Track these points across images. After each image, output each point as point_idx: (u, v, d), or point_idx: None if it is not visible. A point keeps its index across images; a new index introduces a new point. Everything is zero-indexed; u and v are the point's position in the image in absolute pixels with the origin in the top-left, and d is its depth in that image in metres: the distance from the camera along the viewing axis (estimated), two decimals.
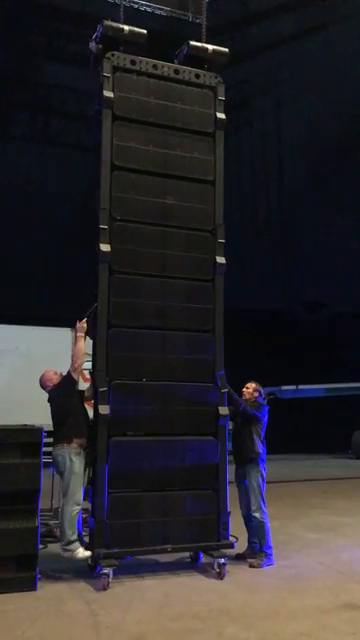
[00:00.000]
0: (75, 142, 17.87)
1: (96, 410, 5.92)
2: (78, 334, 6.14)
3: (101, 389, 5.90)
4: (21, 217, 17.05)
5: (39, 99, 18.70)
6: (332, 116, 18.53)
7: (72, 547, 5.81)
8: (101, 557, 5.62)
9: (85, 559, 5.82)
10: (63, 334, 13.03)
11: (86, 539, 6.08)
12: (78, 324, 6.17)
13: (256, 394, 6.87)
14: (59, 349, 12.89)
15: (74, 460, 5.95)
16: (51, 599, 5.29)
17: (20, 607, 5.05)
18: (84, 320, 6.16)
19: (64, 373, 6.20)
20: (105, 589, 5.50)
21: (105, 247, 5.99)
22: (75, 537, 5.85)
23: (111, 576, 5.59)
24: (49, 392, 6.24)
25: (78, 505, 5.93)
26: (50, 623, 4.75)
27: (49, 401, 6.18)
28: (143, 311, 6.17)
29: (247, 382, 6.92)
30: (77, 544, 5.85)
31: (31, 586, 5.46)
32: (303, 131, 19.31)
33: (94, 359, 6.08)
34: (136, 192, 6.22)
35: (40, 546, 5.78)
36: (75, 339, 6.20)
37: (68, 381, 6.12)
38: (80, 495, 5.95)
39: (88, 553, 5.79)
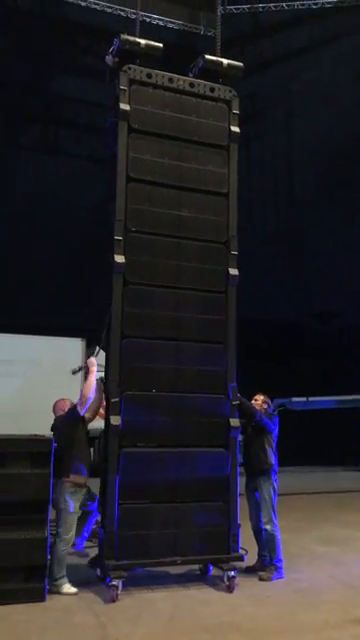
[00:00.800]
0: (87, 153, 18.01)
1: (107, 421, 5.92)
2: (91, 368, 6.13)
3: (113, 400, 5.91)
4: (33, 227, 17.16)
5: (51, 111, 18.88)
6: (343, 128, 18.57)
7: (58, 583, 5.75)
8: (110, 569, 5.60)
9: (70, 594, 5.71)
10: (74, 344, 13.11)
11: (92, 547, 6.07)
12: (89, 360, 6.20)
13: (265, 405, 6.88)
14: (70, 359, 12.94)
15: (68, 501, 5.90)
16: (60, 610, 5.28)
17: (29, 618, 5.04)
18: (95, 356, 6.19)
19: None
20: (114, 601, 5.47)
21: (120, 258, 6.03)
22: (62, 574, 5.79)
23: (120, 588, 5.57)
24: (54, 420, 6.25)
25: (67, 545, 5.89)
26: (59, 635, 4.73)
27: (52, 429, 6.16)
28: (156, 322, 6.19)
29: (254, 394, 6.91)
30: (64, 580, 5.78)
31: (40, 597, 5.44)
32: (314, 142, 19.35)
33: (107, 369, 6.09)
34: (151, 204, 6.26)
35: (49, 557, 5.76)
36: (86, 374, 6.20)
37: (72, 414, 6.06)
38: (72, 535, 5.91)
39: (74, 590, 5.73)
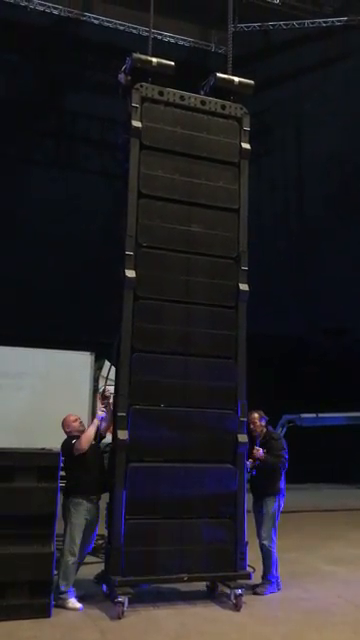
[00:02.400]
0: (99, 169, 18.17)
1: (115, 435, 5.92)
2: (95, 420, 6.21)
3: (120, 414, 5.91)
4: (43, 241, 17.26)
5: (64, 126, 19.08)
6: (353, 144, 18.62)
7: (63, 597, 5.74)
8: (117, 585, 5.56)
9: (76, 610, 5.69)
10: (82, 358, 13.09)
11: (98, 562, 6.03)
12: (100, 411, 6.24)
13: (263, 422, 6.84)
14: (78, 372, 12.94)
15: (72, 510, 5.92)
16: (65, 627, 5.24)
17: (35, 635, 5.01)
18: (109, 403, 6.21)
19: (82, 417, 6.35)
20: (120, 618, 5.44)
21: (130, 273, 6.06)
22: (66, 588, 5.78)
23: (126, 605, 5.53)
24: (63, 441, 6.25)
25: (73, 557, 5.88)
26: None
27: (61, 447, 6.14)
28: (166, 336, 6.20)
29: (250, 413, 6.71)
30: (69, 595, 5.77)
31: (45, 613, 5.41)
32: (324, 158, 19.41)
33: (116, 383, 6.10)
34: (162, 219, 6.30)
35: (55, 572, 5.73)
36: (91, 422, 6.29)
37: (69, 450, 6.05)
38: (77, 547, 5.91)
39: (79, 605, 5.72)
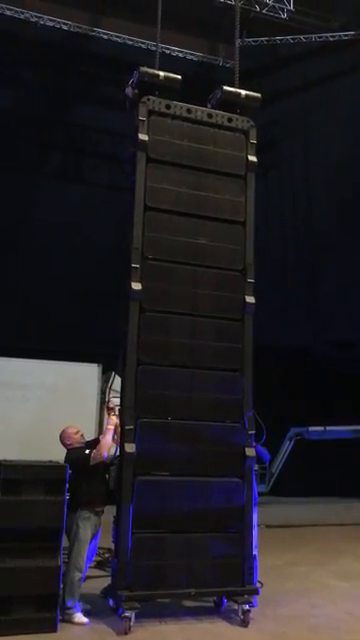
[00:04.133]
0: (107, 182, 18.28)
1: (122, 448, 5.89)
2: (109, 427, 6.10)
3: (127, 427, 5.89)
4: (51, 253, 17.37)
5: (72, 140, 19.25)
6: None
7: (69, 612, 5.70)
8: (123, 600, 5.52)
9: (81, 624, 5.65)
10: (89, 370, 13.11)
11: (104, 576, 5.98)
12: (111, 418, 6.15)
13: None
14: (84, 384, 12.96)
15: (80, 526, 5.89)
16: None
17: None
18: (116, 414, 6.14)
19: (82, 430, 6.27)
20: (126, 633, 5.38)
21: (136, 285, 6.06)
22: (73, 603, 5.74)
23: (133, 620, 5.48)
24: (66, 454, 6.22)
25: (80, 572, 5.85)
26: None
27: (65, 462, 6.10)
28: (172, 349, 6.19)
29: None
30: (76, 608, 5.74)
31: (52, 627, 5.36)
32: (331, 171, 19.44)
33: (122, 396, 6.08)
34: (168, 232, 6.31)
35: (61, 586, 5.69)
36: (105, 430, 6.17)
37: (83, 461, 6.02)
38: (83, 562, 5.88)
39: (85, 620, 5.68)
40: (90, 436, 7.04)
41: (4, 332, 14.86)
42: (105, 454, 5.98)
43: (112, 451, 6.09)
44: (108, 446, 6.00)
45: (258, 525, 6.43)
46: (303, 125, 20.37)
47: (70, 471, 5.84)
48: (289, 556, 9.13)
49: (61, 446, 6.39)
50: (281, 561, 8.70)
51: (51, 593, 5.43)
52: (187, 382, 6.18)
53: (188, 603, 6.28)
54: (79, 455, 6.07)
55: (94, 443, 6.28)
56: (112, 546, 6.01)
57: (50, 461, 6.10)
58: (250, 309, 6.46)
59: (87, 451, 6.06)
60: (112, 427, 6.07)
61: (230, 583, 5.99)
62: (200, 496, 6.01)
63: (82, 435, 6.39)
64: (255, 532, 6.30)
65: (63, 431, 6.35)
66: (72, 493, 5.94)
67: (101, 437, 6.21)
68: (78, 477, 5.95)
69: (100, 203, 17.39)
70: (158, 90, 6.48)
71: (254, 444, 6.31)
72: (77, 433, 6.33)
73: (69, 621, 5.62)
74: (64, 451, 6.32)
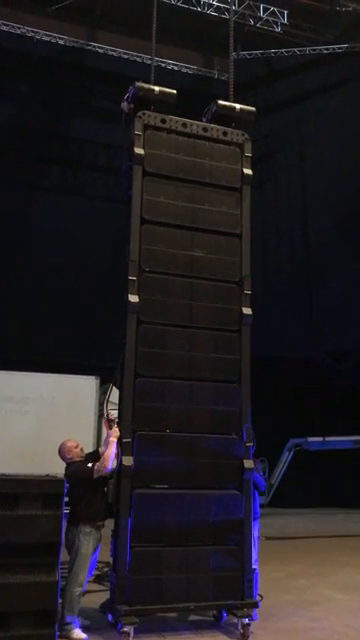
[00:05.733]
0: (104, 194, 18.37)
1: (120, 461, 5.88)
2: (111, 439, 5.97)
3: (125, 440, 5.87)
4: (49, 266, 17.40)
5: (69, 153, 19.35)
6: (355, 169, 18.75)
7: (68, 628, 5.65)
8: (122, 614, 5.48)
9: None
10: (87, 382, 13.10)
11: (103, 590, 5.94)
12: (113, 430, 6.04)
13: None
14: (83, 397, 12.93)
15: (82, 540, 5.85)
16: None
17: None
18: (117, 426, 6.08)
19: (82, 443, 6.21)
20: None
21: (133, 298, 6.08)
22: (72, 619, 5.70)
23: (132, 634, 5.43)
24: (66, 468, 6.16)
25: (80, 587, 5.81)
26: None
27: (65, 476, 6.01)
28: (170, 361, 6.19)
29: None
30: (74, 625, 5.69)
31: None
32: (327, 183, 19.55)
33: (120, 409, 6.07)
34: (165, 245, 6.34)
35: (59, 601, 5.64)
36: (107, 442, 6.03)
37: (86, 475, 5.95)
38: (84, 577, 5.84)
39: (83, 636, 5.63)
40: (88, 449, 7.00)
41: (2, 345, 14.86)
42: (109, 467, 5.91)
43: (114, 464, 6.06)
44: (112, 458, 5.92)
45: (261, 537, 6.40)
46: (298, 137, 20.52)
47: (71, 485, 5.81)
48: (289, 568, 9.08)
49: (60, 459, 6.35)
50: (281, 573, 8.66)
51: (49, 608, 5.36)
52: (185, 394, 6.17)
53: (188, 617, 6.23)
54: (81, 468, 6.02)
55: (93, 456, 6.25)
56: (110, 560, 5.98)
57: (47, 475, 6.07)
58: (247, 321, 6.48)
59: (90, 464, 5.99)
60: (114, 439, 5.97)
61: (229, 597, 5.95)
62: (198, 509, 5.98)
63: (82, 449, 6.35)
64: (256, 546, 6.27)
65: (63, 445, 6.29)
66: (73, 507, 5.91)
67: (102, 450, 6.16)
68: (79, 491, 5.92)
69: (98, 216, 17.47)
70: (153, 104, 6.53)
71: (254, 469, 6.28)
72: (77, 447, 6.28)
73: (67, 637, 5.57)
74: (63, 464, 6.28)
